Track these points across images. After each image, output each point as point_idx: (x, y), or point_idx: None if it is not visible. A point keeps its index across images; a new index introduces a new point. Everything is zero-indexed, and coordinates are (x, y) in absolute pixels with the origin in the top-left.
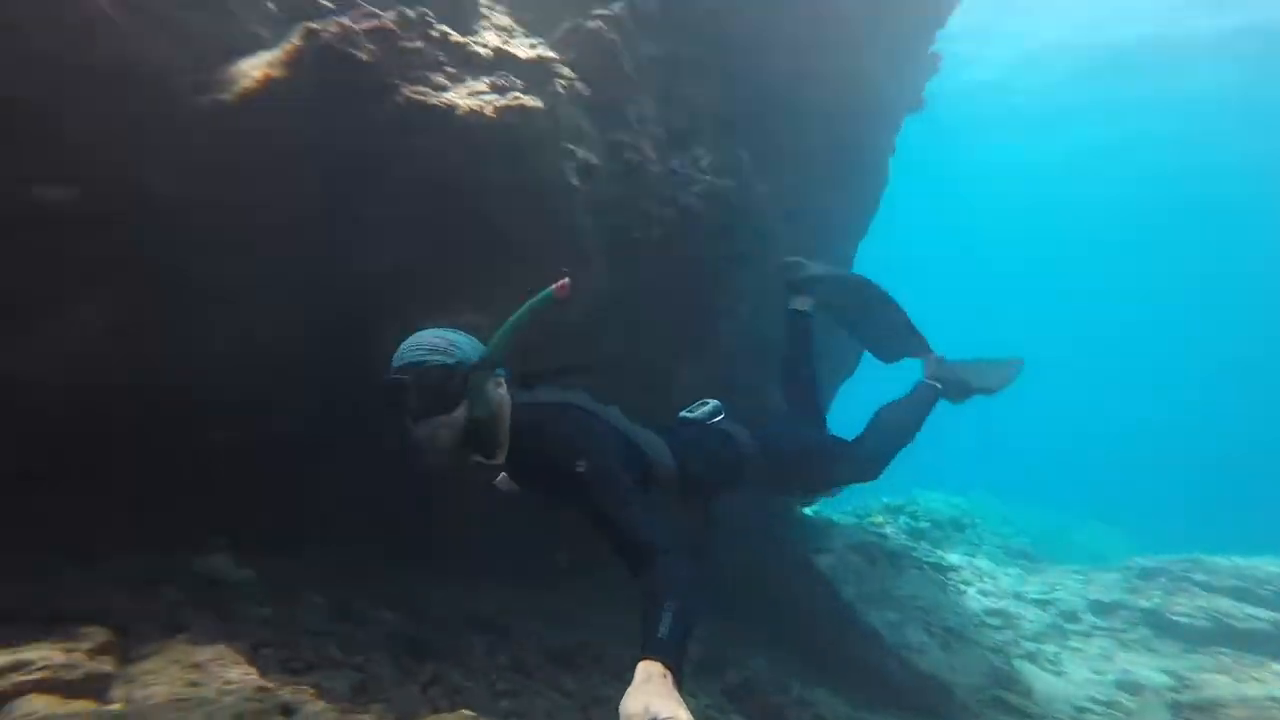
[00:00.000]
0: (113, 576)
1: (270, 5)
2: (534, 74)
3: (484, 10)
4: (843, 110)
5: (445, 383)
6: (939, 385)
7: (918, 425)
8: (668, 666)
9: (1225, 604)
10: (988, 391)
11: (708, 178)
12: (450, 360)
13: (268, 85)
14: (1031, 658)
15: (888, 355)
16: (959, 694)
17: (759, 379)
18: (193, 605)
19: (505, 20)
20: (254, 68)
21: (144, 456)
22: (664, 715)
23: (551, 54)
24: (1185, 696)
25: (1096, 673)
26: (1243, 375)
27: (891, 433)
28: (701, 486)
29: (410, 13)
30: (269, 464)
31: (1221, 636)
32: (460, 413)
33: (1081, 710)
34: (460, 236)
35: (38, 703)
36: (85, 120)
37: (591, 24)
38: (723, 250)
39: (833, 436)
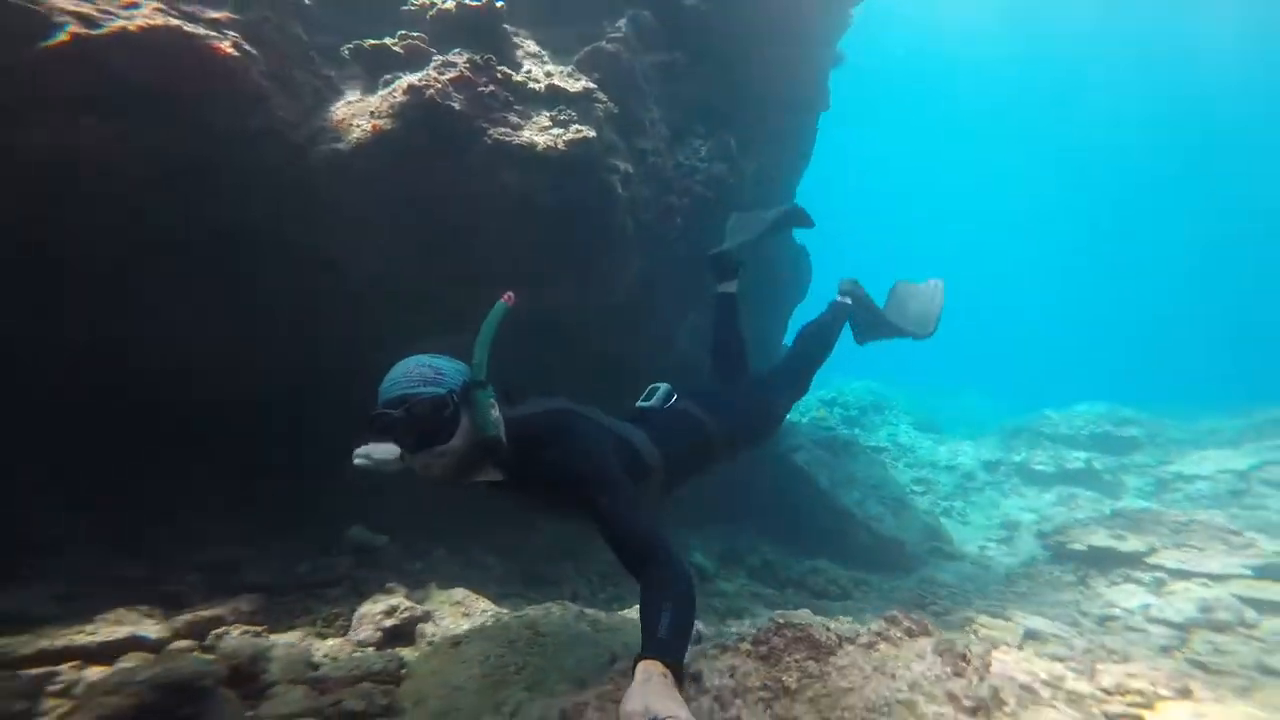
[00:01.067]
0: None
1: (345, 53)
2: (581, 104)
3: (515, 41)
4: (794, 91)
5: (439, 413)
6: (849, 301)
7: (833, 340)
8: (668, 666)
9: (1060, 450)
10: (918, 330)
11: (705, 165)
12: (441, 390)
13: (378, 135)
14: (947, 513)
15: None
16: (909, 548)
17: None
18: (367, 566)
19: (533, 46)
20: (355, 117)
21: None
22: (664, 715)
23: (592, 85)
24: (1044, 527)
25: (988, 518)
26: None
27: (813, 352)
28: (684, 472)
29: (478, 58)
30: None
31: (1060, 477)
32: (457, 440)
33: (982, 547)
34: (535, 240)
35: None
36: (238, 175)
37: (609, 46)
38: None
39: (762, 379)
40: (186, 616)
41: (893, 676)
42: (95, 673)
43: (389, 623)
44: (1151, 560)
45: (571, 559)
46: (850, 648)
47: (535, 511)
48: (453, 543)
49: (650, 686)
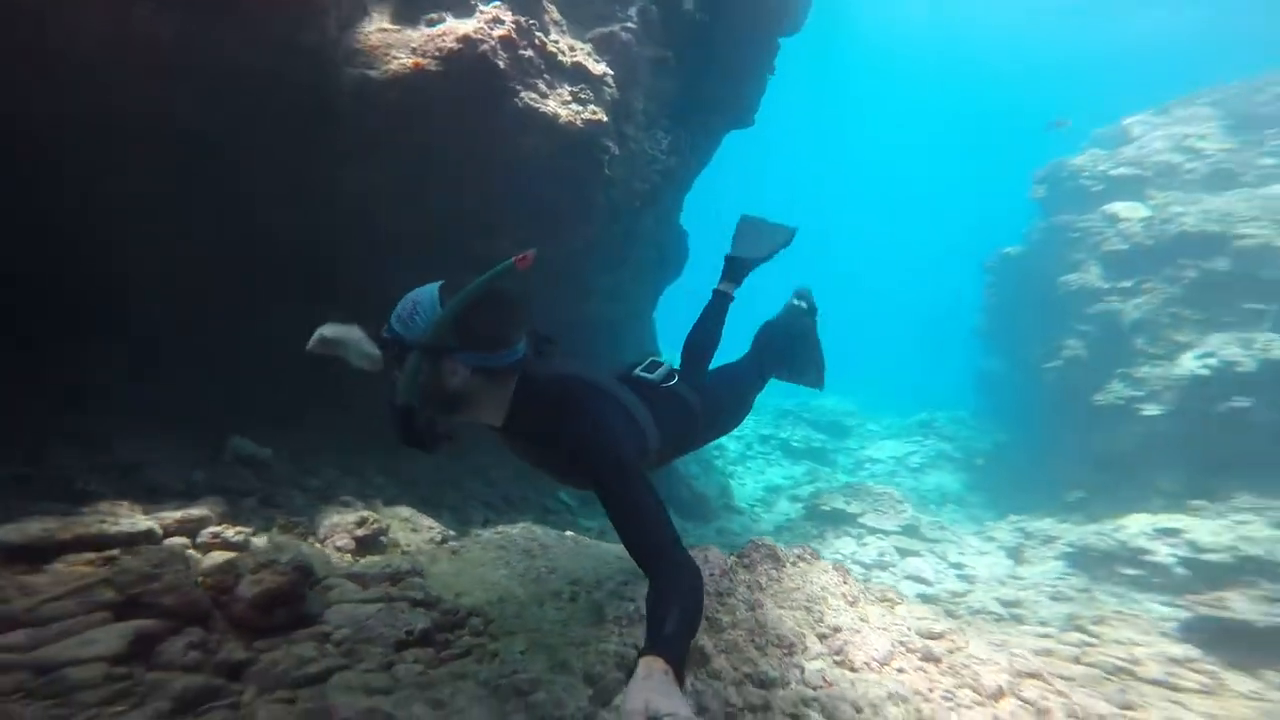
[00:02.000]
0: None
1: None
2: (597, 86)
3: (545, 2)
4: (736, 108)
5: (388, 350)
6: (803, 304)
7: (793, 339)
8: (670, 663)
9: (808, 432)
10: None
11: (665, 157)
12: (398, 330)
13: (418, 73)
14: (733, 475)
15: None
16: (710, 502)
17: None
18: (267, 480)
19: (556, 14)
20: (392, 48)
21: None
22: (665, 712)
23: (609, 70)
24: (798, 492)
25: (755, 481)
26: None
27: (775, 349)
28: (672, 452)
29: (523, 20)
30: None
31: (807, 454)
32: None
33: (753, 504)
34: (526, 197)
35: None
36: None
37: (623, 35)
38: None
39: (734, 373)
40: (175, 514)
41: (812, 582)
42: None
43: (360, 532)
44: (861, 520)
45: (458, 489)
46: (789, 565)
47: (528, 462)
48: (341, 461)
49: (651, 683)
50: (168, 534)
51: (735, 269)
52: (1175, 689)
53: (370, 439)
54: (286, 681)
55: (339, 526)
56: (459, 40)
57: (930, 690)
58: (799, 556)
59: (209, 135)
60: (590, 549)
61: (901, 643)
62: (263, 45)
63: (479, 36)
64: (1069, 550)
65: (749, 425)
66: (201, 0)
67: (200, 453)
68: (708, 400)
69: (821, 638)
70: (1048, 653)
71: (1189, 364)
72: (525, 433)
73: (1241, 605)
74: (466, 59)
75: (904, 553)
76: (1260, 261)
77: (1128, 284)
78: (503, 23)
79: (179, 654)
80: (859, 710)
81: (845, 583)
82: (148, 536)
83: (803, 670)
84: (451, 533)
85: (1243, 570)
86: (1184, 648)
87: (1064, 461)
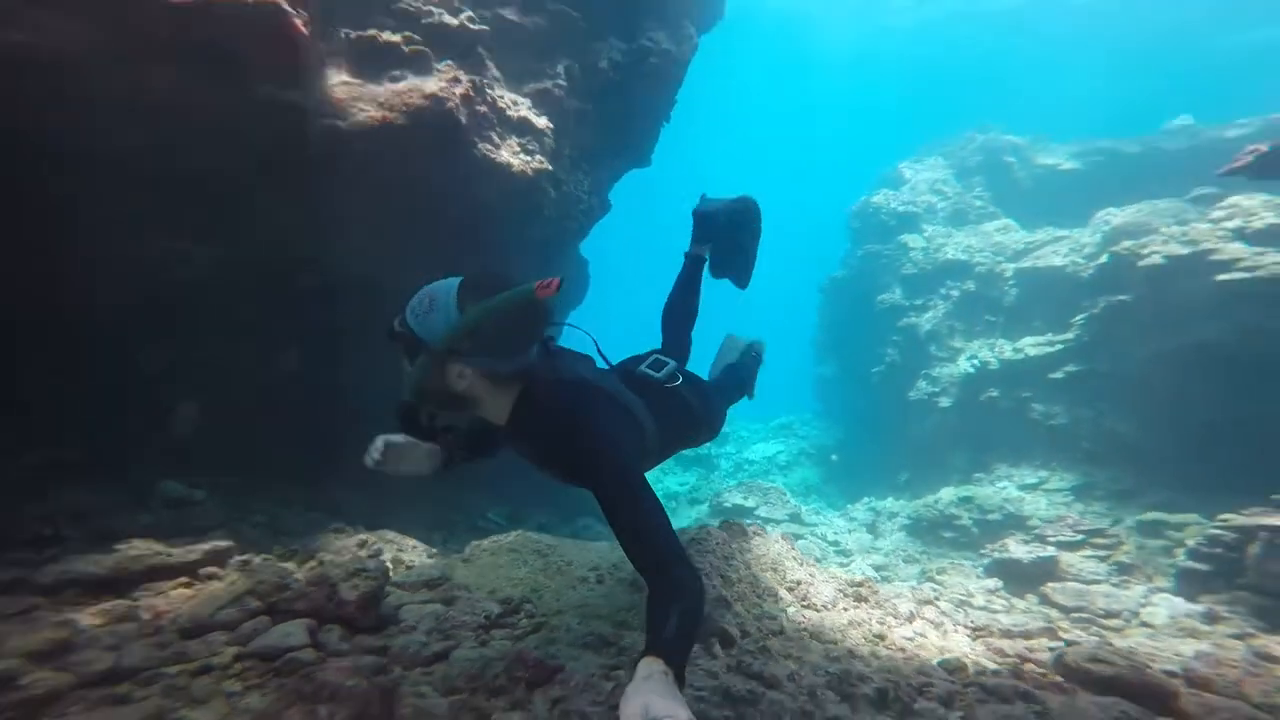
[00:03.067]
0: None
1: (345, 37)
2: (539, 137)
3: (486, 61)
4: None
5: (398, 341)
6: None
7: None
8: (670, 665)
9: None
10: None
11: (586, 197)
12: (409, 324)
13: (385, 125)
14: None
15: (716, 272)
16: None
17: None
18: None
19: (495, 70)
20: (358, 100)
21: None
22: (664, 714)
23: (550, 124)
24: (695, 495)
25: (658, 490)
26: None
27: (739, 376)
28: (668, 452)
29: (477, 79)
30: None
31: (694, 460)
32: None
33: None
34: (476, 235)
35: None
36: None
37: (556, 90)
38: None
39: (716, 381)
40: (205, 546)
41: (770, 550)
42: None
43: (363, 553)
44: (756, 512)
45: (394, 516)
46: (753, 538)
47: (530, 461)
48: (276, 495)
49: (650, 685)
50: (208, 562)
51: (702, 226)
52: (991, 610)
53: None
54: (421, 659)
55: (346, 549)
56: (425, 97)
57: (869, 618)
58: (755, 531)
59: (189, 174)
60: (593, 545)
61: (839, 590)
62: (251, 100)
63: (443, 94)
64: (907, 522)
65: None
66: (199, 59)
67: (131, 498)
68: (708, 404)
69: (789, 589)
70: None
71: (963, 364)
72: (528, 434)
73: (1015, 548)
74: (431, 114)
75: (795, 536)
76: (989, 284)
77: (919, 301)
78: (460, 81)
79: (335, 642)
80: (835, 632)
81: (792, 549)
82: (199, 565)
83: (786, 612)
84: (435, 550)
85: (1007, 525)
86: (992, 582)
87: (892, 450)
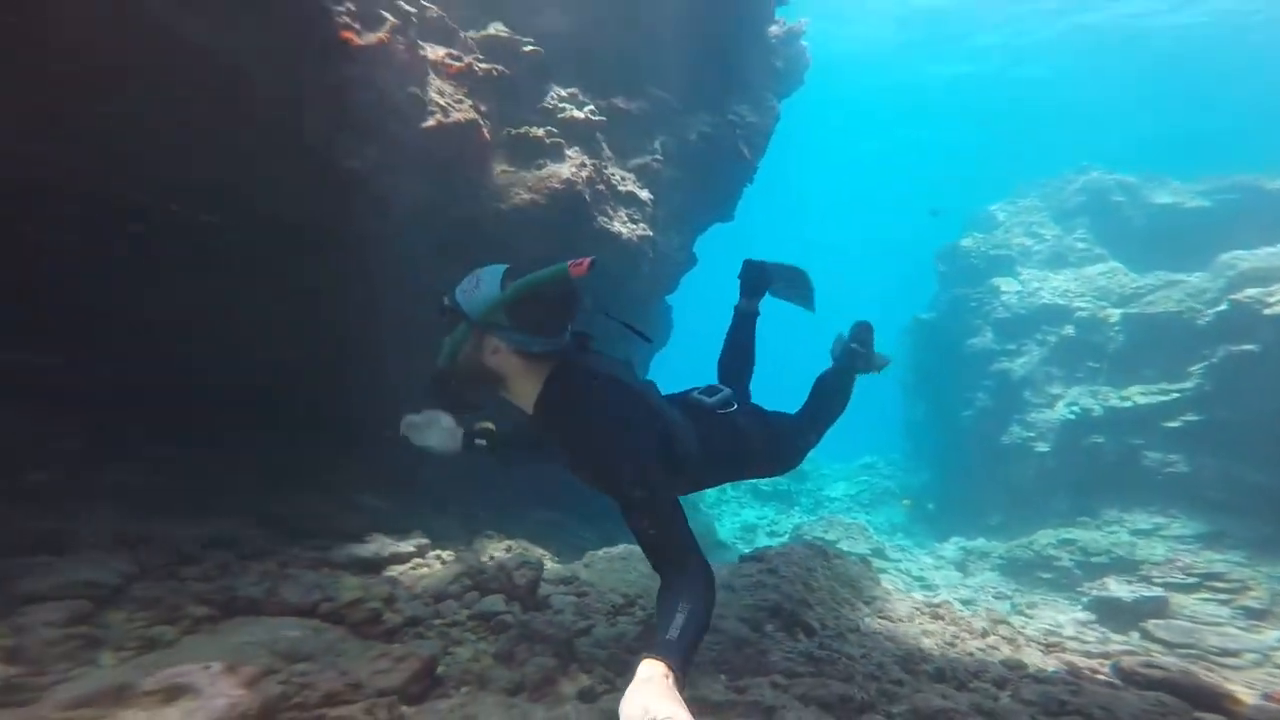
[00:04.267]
0: None
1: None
2: (643, 208)
3: (603, 145)
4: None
5: (445, 316)
6: (857, 347)
7: (848, 389)
8: (671, 667)
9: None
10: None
11: (676, 253)
12: (456, 299)
13: (533, 206)
14: (713, 516)
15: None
16: (701, 539)
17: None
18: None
19: (608, 150)
20: (513, 186)
21: None
22: (664, 716)
23: (652, 195)
24: (773, 528)
25: (732, 521)
26: None
27: (831, 399)
28: (717, 476)
29: (597, 162)
30: None
31: (773, 495)
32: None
33: (734, 540)
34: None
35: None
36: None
37: (654, 164)
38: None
39: (794, 417)
40: (415, 543)
41: (849, 570)
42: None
43: (512, 554)
44: (837, 545)
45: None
46: (834, 560)
47: (564, 462)
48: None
49: (651, 686)
50: (419, 553)
51: (750, 281)
52: (1081, 640)
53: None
54: (574, 631)
55: (499, 549)
56: (561, 182)
57: (942, 631)
58: (835, 555)
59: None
60: None
61: (915, 609)
62: (450, 189)
63: (574, 178)
64: (1000, 562)
65: None
66: (428, 164)
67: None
68: (768, 433)
69: (866, 604)
70: None
71: (1062, 410)
72: (553, 423)
73: (1116, 587)
74: (565, 195)
75: (878, 571)
76: (1091, 329)
77: (1013, 346)
78: (586, 166)
79: (519, 613)
80: (907, 638)
81: (869, 571)
82: (416, 555)
83: (863, 619)
84: (556, 557)
85: (1114, 568)
86: (1085, 614)
87: (984, 493)
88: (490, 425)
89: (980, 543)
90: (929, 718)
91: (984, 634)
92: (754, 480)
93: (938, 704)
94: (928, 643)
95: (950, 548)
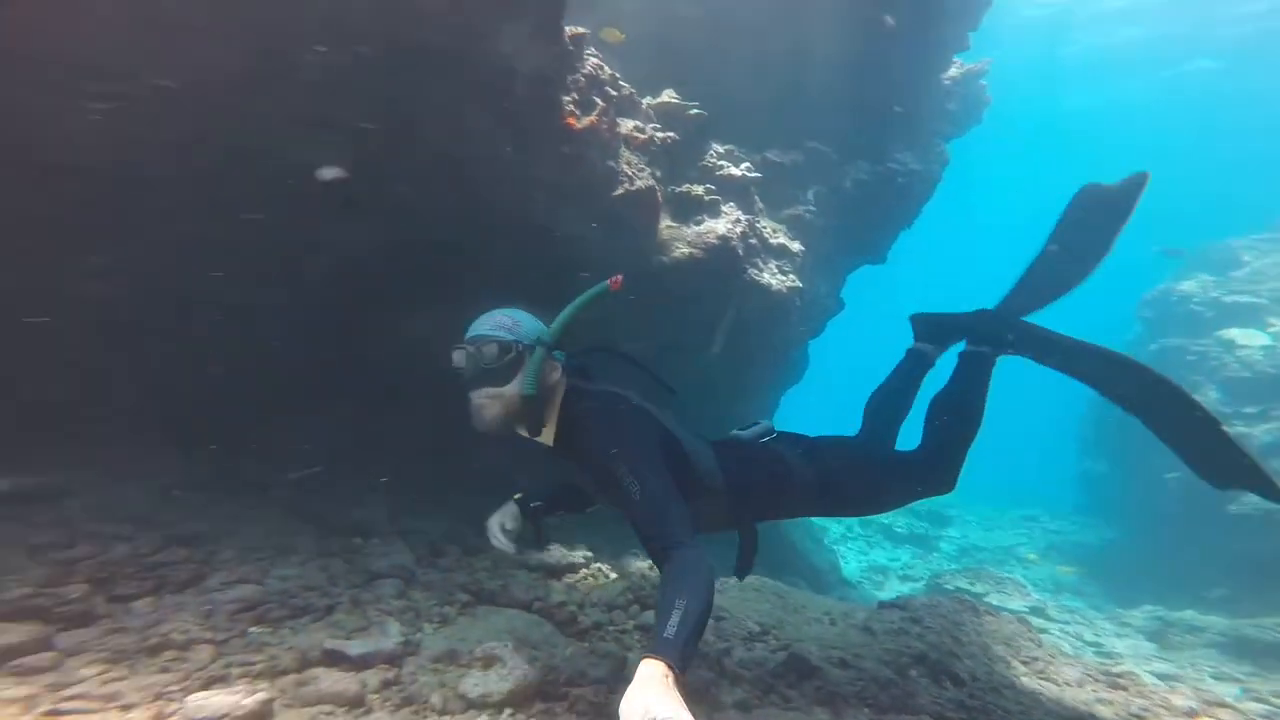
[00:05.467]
0: None
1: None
2: (793, 259)
3: (756, 199)
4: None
5: (501, 357)
6: (985, 349)
7: (977, 407)
8: (670, 666)
9: (909, 519)
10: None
11: (824, 299)
12: (510, 337)
13: (690, 260)
14: (837, 553)
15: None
16: (824, 575)
17: None
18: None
19: (760, 203)
20: (675, 241)
21: None
22: (663, 716)
23: (802, 247)
24: (908, 572)
25: (858, 561)
26: None
27: (952, 429)
28: (749, 503)
29: (750, 218)
30: None
31: (908, 539)
32: (512, 387)
33: (859, 581)
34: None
35: None
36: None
37: (806, 215)
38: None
39: (894, 452)
40: (579, 553)
41: (1003, 628)
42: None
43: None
44: (986, 599)
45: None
46: (984, 615)
47: (585, 486)
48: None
49: (650, 687)
50: (586, 564)
51: (925, 327)
52: None
53: None
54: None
55: (641, 566)
56: (718, 238)
57: (1125, 702)
58: (986, 611)
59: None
60: (818, 596)
61: (1088, 674)
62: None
63: (728, 233)
64: (1220, 639)
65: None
66: (596, 217)
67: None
68: (819, 465)
69: (1024, 664)
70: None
71: None
72: (570, 444)
73: None
74: (719, 249)
75: (1039, 630)
76: None
77: (1252, 410)
78: (740, 221)
79: None
80: (1076, 703)
81: (1029, 631)
82: (580, 566)
83: (1019, 679)
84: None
85: None
86: None
87: (1194, 561)
88: (539, 502)
89: (1188, 614)
90: None
91: (1190, 714)
92: (888, 521)
93: None
94: (1104, 711)
95: (1140, 615)
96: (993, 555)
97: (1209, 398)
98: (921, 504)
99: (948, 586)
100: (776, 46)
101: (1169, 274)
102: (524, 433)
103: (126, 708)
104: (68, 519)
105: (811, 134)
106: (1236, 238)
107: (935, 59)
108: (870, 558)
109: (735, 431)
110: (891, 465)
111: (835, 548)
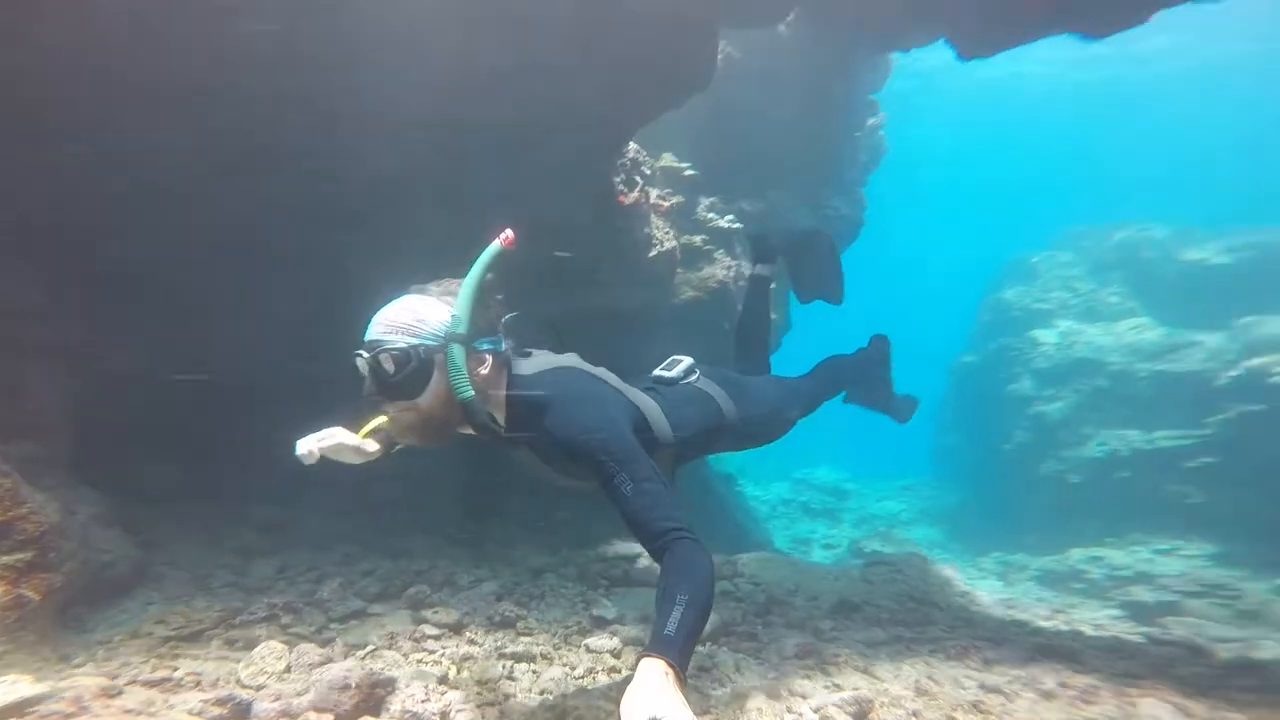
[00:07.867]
0: None
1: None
2: None
3: (737, 245)
4: None
5: (402, 367)
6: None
7: (847, 380)
8: (670, 664)
9: (820, 495)
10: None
11: (779, 324)
12: (408, 342)
13: (694, 301)
14: (769, 530)
15: (804, 297)
16: (771, 548)
17: None
18: None
19: (739, 249)
20: (683, 285)
21: None
22: (664, 716)
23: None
24: (828, 541)
25: (784, 534)
26: None
27: (834, 380)
28: (693, 450)
29: (738, 262)
30: None
31: (820, 513)
32: (425, 397)
33: (789, 552)
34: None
35: None
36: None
37: None
38: None
39: (784, 383)
40: None
41: (940, 573)
42: None
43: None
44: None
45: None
46: (932, 563)
47: (541, 467)
48: None
49: (650, 687)
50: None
51: (760, 246)
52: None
53: None
54: (757, 605)
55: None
56: (718, 282)
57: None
58: (931, 561)
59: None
60: (814, 564)
61: (994, 601)
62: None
63: (725, 278)
64: (1037, 574)
65: (773, 489)
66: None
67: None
68: (743, 403)
69: (960, 596)
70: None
71: (1093, 450)
72: (527, 425)
73: (1142, 595)
74: (717, 290)
75: None
76: (1121, 381)
77: (1049, 392)
78: (731, 267)
79: None
80: (999, 617)
81: (956, 573)
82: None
83: (968, 605)
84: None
85: (1135, 581)
86: (1116, 613)
87: (1019, 514)
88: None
89: (1019, 558)
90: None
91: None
92: (805, 500)
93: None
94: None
95: (991, 561)
96: (886, 522)
97: (1025, 384)
98: (825, 481)
99: (866, 549)
100: (760, 122)
101: (1001, 284)
102: (467, 431)
103: None
104: None
105: (773, 184)
106: (1034, 253)
107: (856, 119)
108: (794, 531)
109: (659, 372)
110: (789, 398)
111: (766, 525)
